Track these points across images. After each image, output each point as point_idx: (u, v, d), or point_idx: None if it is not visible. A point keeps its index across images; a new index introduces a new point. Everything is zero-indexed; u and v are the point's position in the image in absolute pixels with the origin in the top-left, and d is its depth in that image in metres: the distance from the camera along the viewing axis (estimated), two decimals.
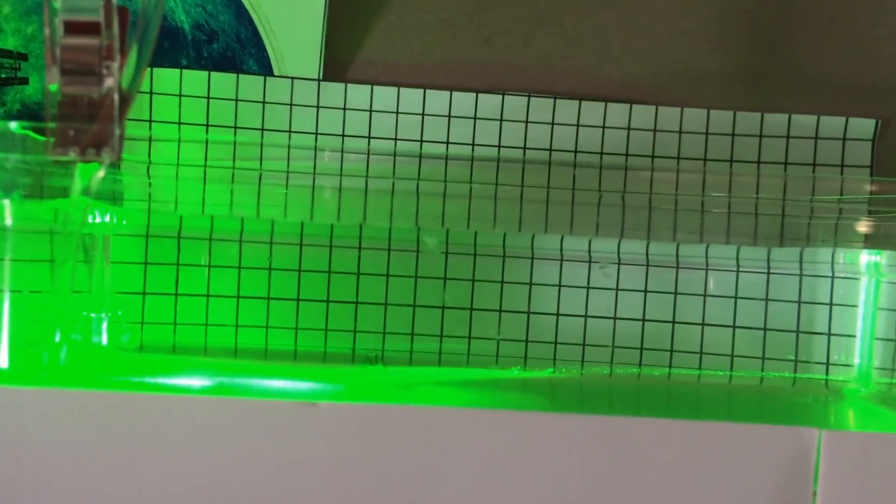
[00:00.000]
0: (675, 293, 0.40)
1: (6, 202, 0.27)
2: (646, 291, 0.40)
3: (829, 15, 0.44)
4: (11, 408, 0.23)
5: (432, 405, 0.26)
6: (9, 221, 0.28)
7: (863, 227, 0.38)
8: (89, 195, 0.27)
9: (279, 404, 0.24)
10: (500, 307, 0.40)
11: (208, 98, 0.41)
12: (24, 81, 0.39)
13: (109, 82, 0.25)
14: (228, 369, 0.35)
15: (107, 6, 0.24)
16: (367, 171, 0.40)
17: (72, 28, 0.24)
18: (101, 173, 0.27)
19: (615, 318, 0.40)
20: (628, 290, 0.40)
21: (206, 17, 0.40)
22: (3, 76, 0.39)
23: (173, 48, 0.40)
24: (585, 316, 0.40)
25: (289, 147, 0.40)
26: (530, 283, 0.40)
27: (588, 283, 0.40)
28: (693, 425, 0.25)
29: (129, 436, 0.24)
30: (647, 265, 0.40)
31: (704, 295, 0.40)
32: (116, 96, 0.25)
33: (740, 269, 0.41)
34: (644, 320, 0.39)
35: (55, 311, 0.28)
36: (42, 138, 0.27)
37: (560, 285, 0.40)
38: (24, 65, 0.39)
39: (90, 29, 0.24)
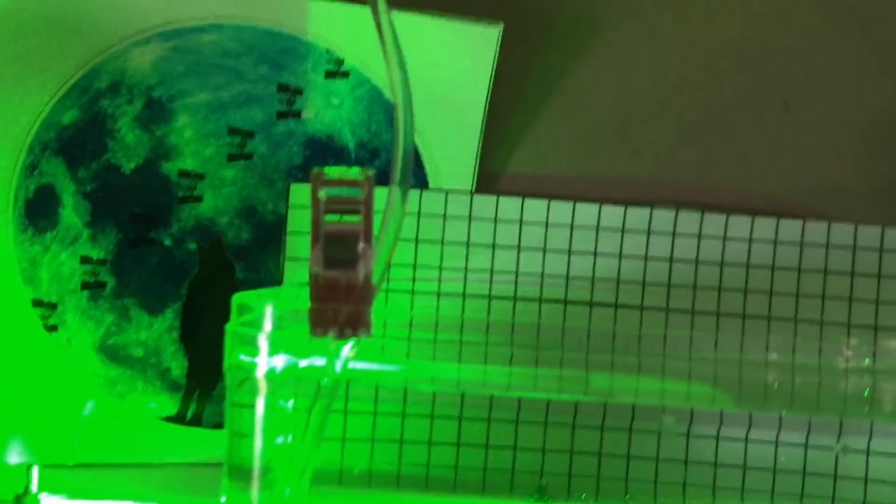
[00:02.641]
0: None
1: (260, 376, 0.28)
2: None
3: None
4: None
5: None
6: (263, 391, 0.29)
7: None
8: (344, 367, 0.28)
9: None
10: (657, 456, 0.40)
11: None
12: (199, 199, 0.41)
13: (366, 264, 0.26)
14: None
15: (367, 196, 0.26)
16: (516, 293, 0.41)
17: (333, 212, 0.26)
18: (354, 351, 0.28)
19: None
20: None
21: (371, 137, 0.42)
22: (181, 195, 0.41)
23: (338, 165, 0.41)
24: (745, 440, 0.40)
25: (440, 267, 0.41)
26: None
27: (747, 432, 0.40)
28: None
29: None
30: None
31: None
32: (371, 279, 0.26)
33: None
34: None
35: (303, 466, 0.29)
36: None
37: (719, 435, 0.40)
38: (199, 184, 0.41)
39: (351, 213, 0.26)
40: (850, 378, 0.37)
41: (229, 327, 0.30)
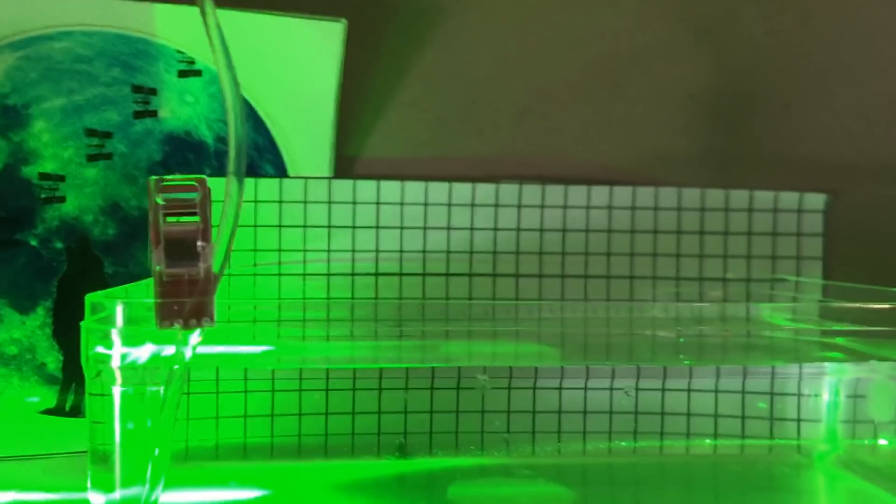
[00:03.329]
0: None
1: (115, 366, 0.30)
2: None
3: (783, 101, 0.49)
4: None
5: None
6: (118, 381, 0.31)
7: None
8: (189, 356, 0.30)
9: None
10: (509, 412, 0.44)
11: None
12: (62, 200, 0.42)
13: (205, 261, 0.28)
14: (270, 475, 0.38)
15: (203, 199, 0.28)
16: (377, 269, 0.44)
17: (173, 214, 0.28)
18: (199, 338, 0.30)
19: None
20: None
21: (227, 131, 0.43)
22: (44, 196, 0.42)
23: (198, 160, 0.43)
24: (585, 388, 0.45)
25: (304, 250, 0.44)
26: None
27: (586, 382, 0.44)
28: None
29: None
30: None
31: (689, 390, 0.44)
32: (212, 273, 0.28)
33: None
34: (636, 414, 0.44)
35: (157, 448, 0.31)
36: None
37: (560, 387, 0.45)
38: (61, 185, 0.42)
39: (189, 216, 0.28)
40: (680, 326, 0.41)
41: (84, 324, 0.32)
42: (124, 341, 0.31)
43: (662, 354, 0.38)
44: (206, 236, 0.29)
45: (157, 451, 0.30)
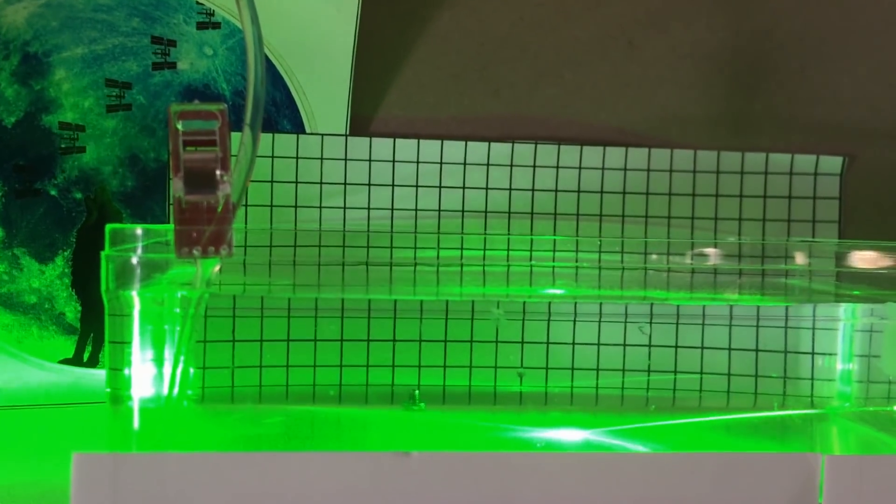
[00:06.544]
0: (676, 345, 0.45)
1: (134, 293, 0.31)
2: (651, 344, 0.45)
3: (799, 63, 0.49)
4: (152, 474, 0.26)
5: (520, 452, 0.29)
6: (137, 308, 0.31)
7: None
8: (208, 285, 0.31)
9: (372, 455, 0.28)
10: (522, 343, 0.45)
11: None
12: (82, 150, 0.43)
13: (224, 189, 0.28)
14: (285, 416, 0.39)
15: (222, 127, 0.28)
16: (392, 227, 0.44)
17: (192, 144, 0.28)
18: (217, 267, 0.30)
19: (624, 369, 0.45)
20: (635, 346, 0.45)
21: (245, 84, 0.43)
22: (63, 146, 0.42)
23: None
24: (598, 344, 0.45)
25: (320, 207, 0.44)
26: (522, 316, 0.45)
27: (599, 318, 0.45)
28: (703, 457, 0.29)
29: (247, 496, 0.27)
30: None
31: (702, 347, 0.45)
32: (231, 201, 0.29)
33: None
34: (649, 371, 0.44)
35: (172, 382, 0.31)
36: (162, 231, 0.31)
37: (574, 319, 0.45)
38: (80, 135, 0.42)
39: (208, 144, 0.28)
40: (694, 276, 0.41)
41: (104, 254, 0.32)
42: (144, 268, 0.31)
43: (675, 294, 0.39)
44: (224, 165, 0.29)
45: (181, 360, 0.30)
